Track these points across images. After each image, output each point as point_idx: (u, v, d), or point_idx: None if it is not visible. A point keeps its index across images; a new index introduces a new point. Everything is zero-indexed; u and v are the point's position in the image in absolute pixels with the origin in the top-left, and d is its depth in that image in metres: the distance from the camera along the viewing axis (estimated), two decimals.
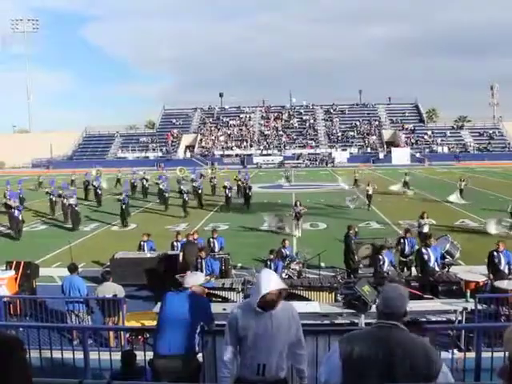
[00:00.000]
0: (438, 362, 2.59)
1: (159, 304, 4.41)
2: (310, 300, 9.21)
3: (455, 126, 73.54)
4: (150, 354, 4.52)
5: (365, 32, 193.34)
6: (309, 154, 66.43)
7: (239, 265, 12.98)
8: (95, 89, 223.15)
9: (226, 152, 68.35)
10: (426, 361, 2.55)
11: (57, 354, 5.88)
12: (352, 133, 71.91)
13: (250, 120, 76.78)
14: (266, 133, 73.11)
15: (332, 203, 25.65)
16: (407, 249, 11.88)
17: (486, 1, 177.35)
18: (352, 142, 69.50)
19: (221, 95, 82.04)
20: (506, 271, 10.04)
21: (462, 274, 9.89)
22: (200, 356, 5.04)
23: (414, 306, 7.79)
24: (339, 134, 71.81)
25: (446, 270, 11.05)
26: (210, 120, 77.50)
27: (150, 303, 9.30)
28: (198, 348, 4.50)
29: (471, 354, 5.67)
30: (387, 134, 71.00)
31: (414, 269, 11.58)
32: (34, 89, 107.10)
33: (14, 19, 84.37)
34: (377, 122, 74.10)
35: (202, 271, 10.69)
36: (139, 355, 5.43)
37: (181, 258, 11.57)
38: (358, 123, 73.62)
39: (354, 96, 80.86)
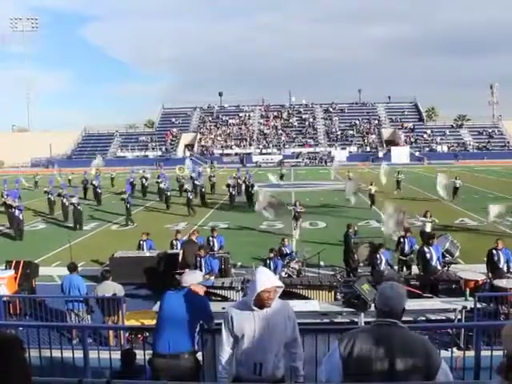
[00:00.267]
0: (437, 360, 2.60)
1: (159, 303, 4.39)
2: (310, 299, 9.22)
3: (454, 125, 73.57)
4: (149, 353, 4.52)
5: (364, 32, 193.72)
6: (308, 152, 66.43)
7: (239, 264, 12.99)
8: (95, 88, 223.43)
9: (226, 151, 68.33)
10: (426, 358, 2.56)
11: (56, 353, 5.89)
12: (351, 131, 71.92)
13: (249, 119, 76.76)
14: (266, 132, 73.08)
15: (331, 202, 25.67)
16: (407, 248, 11.90)
17: (486, 1, 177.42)
18: (351, 141, 69.51)
19: (220, 94, 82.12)
20: (505, 269, 10.06)
21: (462, 273, 9.90)
22: (199, 355, 5.05)
23: (413, 304, 7.80)
24: (338, 133, 71.81)
25: (446, 268, 11.07)
26: (210, 119, 77.48)
27: (149, 302, 9.30)
28: (198, 347, 4.50)
29: (470, 353, 5.67)
30: (387, 132, 71.00)
31: (413, 267, 11.60)
32: (33, 88, 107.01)
33: (13, 18, 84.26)
34: (376, 121, 74.09)
35: (201, 270, 10.70)
36: (139, 354, 5.43)
37: (181, 256, 11.58)
38: (357, 122, 73.61)
39: (353, 95, 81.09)
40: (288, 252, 11.91)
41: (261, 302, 3.42)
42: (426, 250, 10.49)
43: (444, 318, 8.23)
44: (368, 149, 67.46)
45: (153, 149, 69.95)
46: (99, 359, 5.75)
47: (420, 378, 2.55)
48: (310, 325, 7.08)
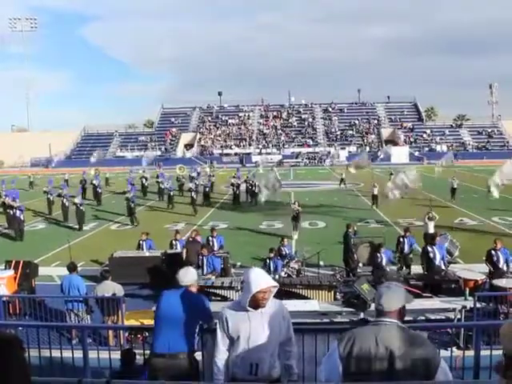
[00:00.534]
0: (436, 359, 2.61)
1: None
2: (309, 298, 9.23)
3: (454, 125, 73.57)
4: (149, 353, 4.52)
5: (364, 31, 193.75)
6: (308, 152, 66.42)
7: (238, 263, 12.99)
8: (94, 88, 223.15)
9: (225, 151, 68.32)
10: (425, 357, 2.56)
11: (56, 353, 5.89)
12: (351, 131, 71.92)
13: (248, 119, 76.75)
14: (265, 131, 73.08)
15: (331, 202, 25.67)
16: (406, 247, 11.92)
17: (485, 0, 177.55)
18: (351, 141, 69.50)
19: (220, 94, 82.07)
20: (505, 269, 10.07)
21: (461, 273, 9.91)
22: (199, 354, 5.05)
23: (412, 304, 7.79)
24: (338, 133, 71.81)
25: (447, 268, 11.09)
26: (209, 119, 77.46)
27: (149, 302, 9.31)
28: (197, 347, 4.50)
29: (470, 352, 5.67)
30: (386, 132, 71.00)
31: (413, 267, 11.62)
32: (32, 88, 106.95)
33: (12, 18, 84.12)
34: (376, 121, 74.11)
35: (203, 269, 10.73)
36: (138, 354, 5.44)
37: (184, 255, 11.61)
38: (356, 122, 73.61)
39: (352, 95, 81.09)
40: (288, 252, 11.92)
41: (256, 303, 3.41)
42: (429, 249, 10.51)
43: (444, 317, 8.25)
44: (367, 149, 67.44)
45: (152, 148, 69.89)
46: (99, 359, 5.75)
47: (419, 378, 2.55)
48: (310, 324, 7.08)
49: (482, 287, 9.22)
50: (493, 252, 10.24)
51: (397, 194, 17.46)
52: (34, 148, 67.96)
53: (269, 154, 65.77)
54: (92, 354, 5.61)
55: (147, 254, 12.39)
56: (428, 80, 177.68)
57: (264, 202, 19.55)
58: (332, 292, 9.42)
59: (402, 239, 12.08)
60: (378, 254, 10.61)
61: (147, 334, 7.10)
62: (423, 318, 8.19)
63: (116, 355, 5.62)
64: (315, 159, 63.94)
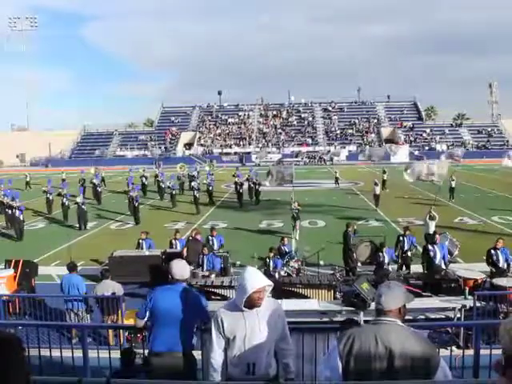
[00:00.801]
0: (436, 358, 2.61)
1: (151, 299, 4.24)
2: (309, 297, 9.23)
3: (454, 124, 73.57)
4: (147, 352, 4.51)
5: (364, 30, 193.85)
6: (307, 151, 66.40)
7: (238, 263, 12.99)
8: (94, 87, 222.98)
9: (225, 150, 68.32)
10: (425, 356, 2.56)
11: (56, 353, 5.89)
12: (351, 130, 71.90)
13: (248, 118, 76.73)
14: (265, 131, 73.06)
15: (331, 201, 25.67)
16: (406, 246, 11.91)
17: (485, 0, 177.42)
18: (351, 140, 69.49)
19: (219, 93, 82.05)
20: (505, 268, 10.07)
21: (461, 272, 9.91)
22: (199, 353, 5.05)
23: (412, 303, 7.79)
24: (338, 132, 71.80)
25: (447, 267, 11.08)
26: (209, 118, 77.45)
27: None
28: (194, 344, 4.47)
29: (470, 352, 5.68)
30: (386, 131, 70.97)
31: (412, 266, 11.62)
32: (32, 87, 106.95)
33: (11, 17, 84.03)
34: (375, 120, 74.10)
35: (203, 267, 10.74)
36: (138, 353, 5.43)
37: (185, 254, 11.60)
38: (356, 121, 73.60)
39: (352, 94, 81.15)
40: (287, 251, 11.92)
41: (252, 303, 3.40)
42: (429, 248, 10.51)
43: (443, 316, 8.24)
44: (367, 148, 67.40)
45: (152, 148, 69.90)
46: (99, 358, 5.74)
47: (419, 377, 2.56)
48: (310, 324, 7.07)
49: (481, 286, 9.22)
50: (492, 251, 10.25)
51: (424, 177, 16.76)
52: (33, 147, 67.96)
53: (268, 152, 65.72)
54: (92, 354, 5.61)
55: (147, 254, 12.39)
56: (428, 79, 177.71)
57: (269, 183, 19.29)
58: (332, 291, 9.42)
59: (401, 238, 12.08)
60: (381, 254, 10.61)
61: (147, 333, 7.11)
62: (423, 317, 8.19)
63: (116, 354, 5.61)
64: (315, 158, 63.91)
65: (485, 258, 10.50)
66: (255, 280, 3.41)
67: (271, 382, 3.53)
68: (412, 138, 68.54)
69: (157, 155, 39.84)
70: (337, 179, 32.69)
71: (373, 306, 6.78)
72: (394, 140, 67.95)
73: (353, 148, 66.92)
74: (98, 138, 75.32)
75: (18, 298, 9.24)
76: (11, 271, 10.11)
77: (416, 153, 63.66)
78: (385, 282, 2.92)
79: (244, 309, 3.42)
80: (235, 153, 67.11)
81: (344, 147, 66.48)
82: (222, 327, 3.46)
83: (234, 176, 29.42)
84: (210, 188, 26.41)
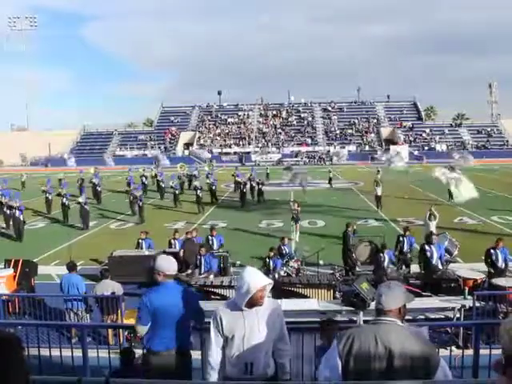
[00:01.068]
0: (436, 357, 2.61)
1: (146, 298, 4.20)
2: (309, 297, 9.23)
3: (453, 124, 73.57)
4: (146, 351, 4.51)
5: (364, 30, 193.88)
6: (307, 151, 66.40)
7: (238, 262, 12.99)
8: (93, 87, 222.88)
9: (225, 150, 68.32)
10: (424, 356, 2.56)
11: (55, 352, 5.89)
12: (350, 130, 71.90)
13: (248, 118, 76.72)
14: (265, 130, 73.06)
15: (331, 201, 25.67)
16: (406, 247, 11.91)
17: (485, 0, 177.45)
18: (350, 140, 69.50)
19: (219, 93, 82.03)
20: (503, 268, 10.08)
21: (460, 272, 9.91)
22: (199, 353, 5.06)
23: (412, 303, 7.80)
24: (337, 132, 71.80)
25: (445, 267, 11.08)
26: (209, 118, 77.44)
27: None
28: (193, 342, 4.44)
29: (469, 351, 5.68)
30: (385, 131, 70.98)
31: (413, 266, 11.62)
32: (32, 87, 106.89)
33: (11, 17, 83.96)
34: (375, 120, 74.10)
35: (200, 268, 10.74)
36: (138, 353, 5.43)
37: (181, 255, 11.62)
38: (356, 121, 73.60)
39: (352, 94, 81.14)
40: (287, 251, 11.92)
41: (253, 302, 3.40)
42: (426, 248, 10.50)
43: (443, 316, 8.25)
44: (367, 148, 67.46)
45: (152, 147, 69.88)
46: (98, 358, 5.75)
47: (419, 376, 2.56)
48: (309, 323, 7.07)
49: (481, 286, 9.23)
50: (492, 251, 10.25)
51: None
52: (33, 147, 67.91)
53: (268, 152, 65.74)
54: (91, 353, 5.62)
55: (146, 253, 12.38)
56: (427, 79, 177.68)
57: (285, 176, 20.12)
58: (331, 291, 9.44)
59: (401, 238, 12.08)
60: (381, 254, 10.62)
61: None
62: (422, 316, 8.20)
63: (115, 354, 5.62)
64: (314, 158, 63.92)
65: (483, 257, 10.51)
66: (257, 279, 3.41)
67: (269, 382, 3.53)
68: (412, 138, 68.55)
69: (160, 160, 39.87)
70: (330, 179, 32.50)
71: (372, 305, 6.79)
72: (394, 140, 67.99)
73: (352, 148, 66.92)
74: (97, 137, 75.29)
75: (17, 298, 9.24)
76: (11, 271, 10.10)
77: (415, 153, 63.71)
78: (385, 282, 2.92)
79: (244, 308, 3.42)
80: (235, 152, 67.11)
81: (343, 147, 66.47)
82: (221, 325, 3.46)
83: (233, 176, 29.45)
84: (214, 187, 26.44)
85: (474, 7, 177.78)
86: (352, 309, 8.09)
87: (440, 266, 10.34)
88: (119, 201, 27.27)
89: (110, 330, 7.90)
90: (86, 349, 5.36)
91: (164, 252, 12.32)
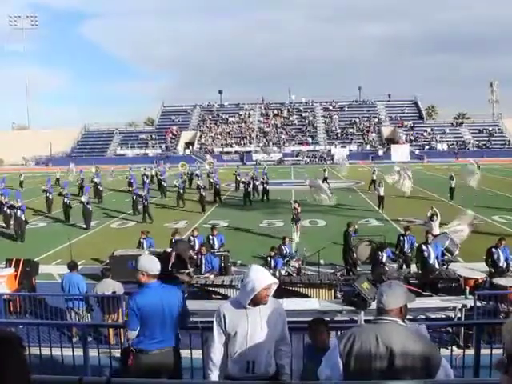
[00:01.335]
0: (437, 357, 2.61)
1: (136, 298, 4.15)
2: (310, 297, 9.23)
3: (454, 123, 73.48)
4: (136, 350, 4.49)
5: (365, 30, 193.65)
6: (308, 151, 66.38)
7: (239, 262, 12.99)
8: (94, 86, 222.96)
9: (226, 149, 68.31)
10: (426, 356, 2.56)
11: (56, 352, 5.90)
12: (351, 130, 71.85)
13: (249, 117, 76.67)
14: (266, 130, 73.03)
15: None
16: (406, 246, 11.91)
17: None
18: (351, 139, 69.46)
19: (220, 92, 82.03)
20: (505, 267, 10.07)
21: (461, 271, 9.91)
22: (199, 352, 5.06)
23: (413, 302, 7.80)
24: (338, 131, 71.76)
25: (446, 267, 11.09)
26: (210, 117, 77.41)
27: None
28: (181, 340, 4.43)
29: (470, 351, 5.67)
30: (386, 130, 70.92)
31: (413, 266, 11.61)
32: (33, 86, 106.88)
33: (12, 16, 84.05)
34: (376, 119, 74.02)
35: (201, 267, 10.72)
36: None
37: (173, 256, 11.44)
38: (357, 120, 73.53)
39: (353, 93, 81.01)
40: (288, 250, 11.92)
41: (258, 300, 3.40)
42: (423, 247, 10.50)
43: (444, 316, 8.25)
44: (368, 147, 67.42)
45: (153, 147, 69.93)
46: (99, 357, 5.75)
47: (420, 376, 2.55)
48: None
49: (482, 286, 9.22)
50: (493, 250, 10.24)
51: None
52: (34, 146, 67.94)
53: (271, 152, 65.70)
54: (92, 353, 5.62)
55: (147, 253, 12.36)
56: (428, 78, 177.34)
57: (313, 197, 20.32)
58: (332, 290, 9.44)
59: (402, 238, 12.08)
60: (380, 253, 10.63)
61: None
62: (423, 316, 8.19)
63: (116, 353, 5.62)
64: (315, 157, 63.90)
65: (484, 257, 10.50)
66: (263, 277, 3.42)
67: (270, 382, 3.53)
68: (413, 138, 68.48)
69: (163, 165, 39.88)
70: (325, 179, 32.17)
71: (373, 305, 6.79)
72: (395, 139, 67.96)
73: (353, 147, 66.90)
74: (98, 136, 75.32)
75: (18, 297, 9.25)
76: (12, 270, 10.11)
77: (416, 152, 63.69)
78: (386, 282, 2.92)
79: (247, 306, 3.42)
80: (236, 152, 67.11)
81: (344, 146, 66.47)
82: (224, 322, 3.46)
83: (234, 174, 29.44)
84: (218, 187, 26.44)
85: (474, 7, 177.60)
86: (353, 308, 8.10)
87: (437, 266, 10.32)
88: (120, 200, 27.29)
89: (110, 330, 7.91)
90: (86, 348, 5.36)
91: (165, 252, 12.32)
